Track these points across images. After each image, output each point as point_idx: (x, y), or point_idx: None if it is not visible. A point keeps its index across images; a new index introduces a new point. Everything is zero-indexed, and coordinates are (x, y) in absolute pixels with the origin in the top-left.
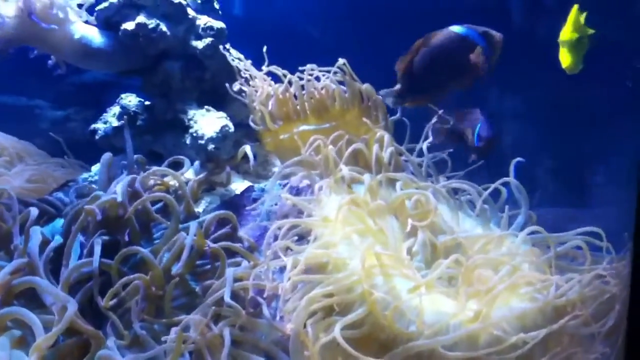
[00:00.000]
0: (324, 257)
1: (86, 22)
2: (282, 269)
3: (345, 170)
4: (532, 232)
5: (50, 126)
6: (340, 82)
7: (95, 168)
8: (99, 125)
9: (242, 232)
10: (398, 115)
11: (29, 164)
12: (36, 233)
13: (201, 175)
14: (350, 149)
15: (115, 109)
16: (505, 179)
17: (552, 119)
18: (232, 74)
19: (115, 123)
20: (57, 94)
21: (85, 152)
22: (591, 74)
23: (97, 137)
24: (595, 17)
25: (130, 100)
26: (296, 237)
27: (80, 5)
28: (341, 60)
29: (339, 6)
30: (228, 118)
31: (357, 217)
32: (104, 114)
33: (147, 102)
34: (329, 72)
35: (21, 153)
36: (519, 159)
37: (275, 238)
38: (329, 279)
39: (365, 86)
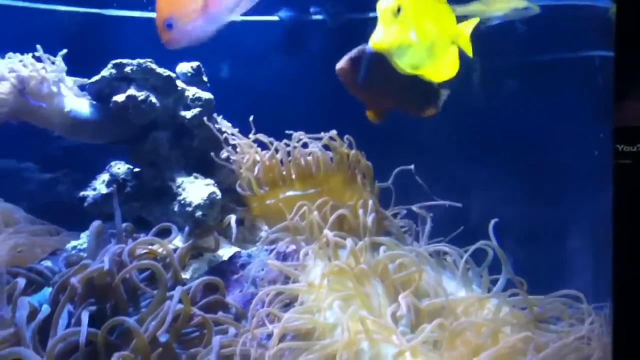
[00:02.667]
0: (310, 324)
1: (77, 95)
2: (269, 336)
3: (329, 235)
4: (513, 294)
5: (38, 188)
6: (328, 148)
7: (84, 234)
8: (88, 192)
9: (229, 299)
10: (389, 182)
11: (17, 230)
12: (24, 303)
13: (189, 243)
14: (334, 215)
15: (104, 176)
16: (484, 242)
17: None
18: (219, 141)
19: (104, 190)
20: (46, 157)
21: (72, 214)
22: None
23: (86, 204)
24: None
25: (120, 167)
26: (284, 303)
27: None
28: (333, 132)
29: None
30: (216, 185)
31: (341, 282)
32: (93, 181)
33: (135, 170)
34: (318, 139)
35: (7, 218)
36: (495, 219)
37: (263, 304)
38: (315, 345)
39: (353, 152)
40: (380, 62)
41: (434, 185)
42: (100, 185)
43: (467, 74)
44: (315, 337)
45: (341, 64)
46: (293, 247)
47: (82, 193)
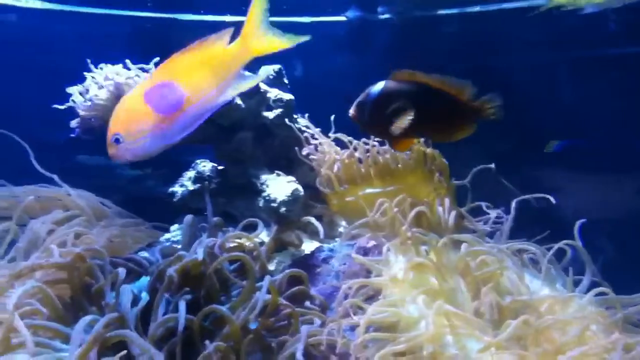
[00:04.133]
0: (394, 317)
1: None
2: (353, 327)
3: (410, 231)
4: (599, 294)
5: (128, 184)
6: None
7: (174, 227)
8: (177, 189)
9: (313, 291)
10: (467, 180)
11: (109, 223)
12: (126, 291)
13: (274, 236)
14: (414, 212)
15: (191, 173)
16: (568, 241)
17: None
18: (299, 140)
19: (191, 187)
20: None
21: (160, 208)
22: None
23: (175, 199)
24: None
25: (205, 165)
26: (366, 296)
27: None
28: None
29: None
30: (297, 182)
31: (424, 278)
32: (180, 178)
33: (219, 167)
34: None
35: (99, 212)
36: (582, 220)
37: (346, 297)
38: (399, 337)
39: (429, 150)
40: (382, 101)
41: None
42: (187, 182)
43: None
44: (399, 330)
45: (351, 109)
46: (374, 242)
47: (170, 189)
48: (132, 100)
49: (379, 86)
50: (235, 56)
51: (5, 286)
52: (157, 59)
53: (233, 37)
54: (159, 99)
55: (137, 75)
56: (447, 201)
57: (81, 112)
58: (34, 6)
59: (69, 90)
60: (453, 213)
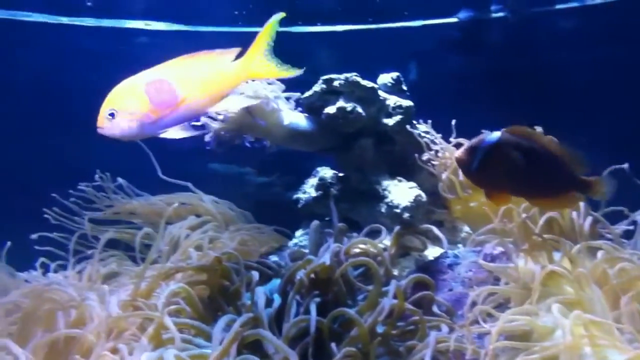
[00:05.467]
0: (527, 325)
1: (292, 109)
2: (481, 335)
3: (541, 238)
4: None
5: (256, 190)
6: None
7: (299, 232)
8: (300, 195)
9: (438, 297)
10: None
11: (238, 228)
12: (261, 293)
13: (396, 242)
14: (544, 217)
15: (313, 181)
16: None
17: None
18: (419, 146)
19: (314, 193)
20: (262, 163)
21: (285, 214)
22: None
23: (299, 205)
24: None
25: (326, 172)
26: (496, 304)
27: (288, 98)
28: (539, 129)
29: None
30: (419, 188)
31: (558, 286)
32: (303, 185)
33: (340, 174)
34: None
35: (227, 217)
36: None
37: (474, 304)
38: (534, 347)
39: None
40: (497, 153)
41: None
42: (309, 189)
43: None
44: (533, 339)
45: (459, 152)
46: (501, 249)
47: (295, 196)
48: (133, 85)
49: (496, 135)
50: (235, 74)
51: (153, 286)
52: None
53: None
54: (156, 92)
55: (264, 89)
56: (582, 205)
57: (214, 126)
58: (160, 28)
59: None
60: (589, 219)
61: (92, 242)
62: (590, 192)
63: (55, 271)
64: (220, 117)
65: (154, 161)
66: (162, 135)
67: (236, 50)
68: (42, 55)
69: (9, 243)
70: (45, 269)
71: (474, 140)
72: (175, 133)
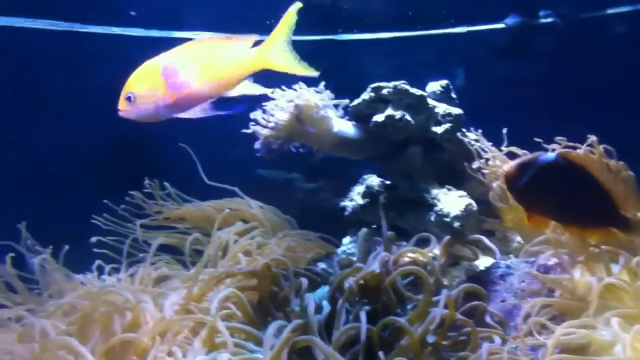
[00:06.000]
0: (584, 339)
1: (341, 116)
2: (534, 348)
3: (598, 249)
4: None
5: (304, 196)
6: None
7: (346, 240)
8: (347, 203)
9: (490, 307)
10: None
11: (286, 234)
12: (311, 299)
13: (446, 251)
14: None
15: (360, 188)
16: None
17: None
18: (468, 154)
19: (361, 201)
20: (310, 168)
21: (331, 220)
22: None
23: (346, 213)
24: None
25: (373, 180)
26: (550, 316)
27: (336, 106)
28: (592, 138)
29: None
30: (469, 196)
31: (617, 299)
32: (350, 193)
33: (387, 182)
34: (574, 148)
35: (274, 224)
36: None
37: (527, 316)
38: None
39: (614, 163)
40: (549, 174)
41: None
42: (356, 197)
43: None
44: (590, 353)
45: (508, 166)
46: (555, 260)
47: (342, 203)
48: (151, 68)
49: (550, 156)
50: (252, 61)
51: (205, 290)
52: (323, 83)
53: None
54: (173, 75)
55: (313, 97)
56: None
57: (265, 134)
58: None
59: (252, 115)
60: None
61: (144, 246)
62: (629, 232)
63: (110, 274)
64: (271, 124)
65: (199, 168)
66: (178, 116)
67: (254, 38)
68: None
69: (66, 246)
70: (100, 271)
71: (527, 157)
72: (193, 113)
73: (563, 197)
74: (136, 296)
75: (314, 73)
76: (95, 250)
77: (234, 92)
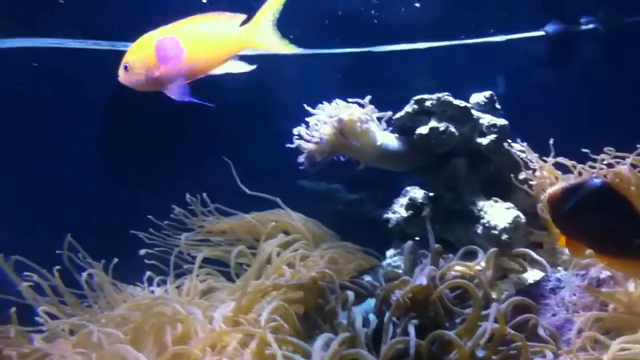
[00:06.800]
0: None
1: (384, 129)
2: None
3: None
4: None
5: (345, 207)
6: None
7: (390, 252)
8: (390, 215)
9: (541, 321)
10: None
11: (329, 246)
12: (358, 312)
13: (494, 263)
14: None
15: (403, 200)
16: None
17: None
18: (514, 165)
19: (404, 213)
20: (351, 179)
21: (373, 232)
22: None
23: (389, 225)
24: None
25: (416, 192)
26: (604, 330)
27: (379, 118)
28: None
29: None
30: (516, 208)
31: None
32: (393, 205)
33: (430, 194)
34: (622, 158)
35: (315, 235)
36: None
37: (580, 330)
38: None
39: None
40: (595, 201)
41: None
42: (399, 209)
43: None
44: None
45: (553, 188)
46: (608, 272)
47: (385, 215)
48: (147, 41)
49: (598, 181)
50: (239, 39)
51: (253, 302)
52: (369, 97)
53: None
54: (164, 49)
55: (357, 110)
56: None
57: (309, 148)
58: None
59: (296, 130)
60: None
61: (188, 258)
62: None
63: (159, 285)
64: (315, 139)
65: (237, 180)
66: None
67: (243, 17)
68: None
69: (115, 259)
70: (149, 283)
71: (573, 182)
72: (173, 92)
73: (604, 226)
74: (186, 308)
75: (296, 50)
76: (146, 261)
77: (220, 70)
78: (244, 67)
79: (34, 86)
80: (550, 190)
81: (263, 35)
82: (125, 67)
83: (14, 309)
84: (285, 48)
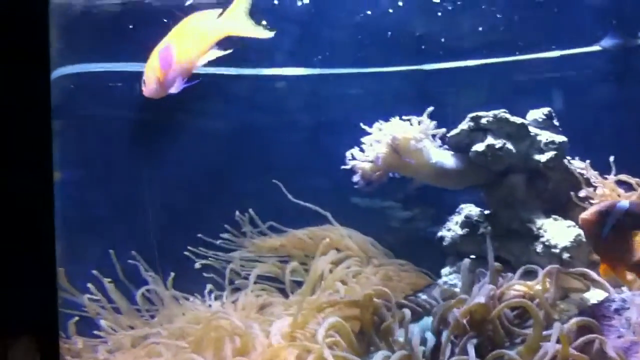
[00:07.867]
0: None
1: (439, 146)
2: None
3: None
4: None
5: (399, 225)
6: None
7: (445, 271)
8: (445, 233)
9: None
10: None
11: (381, 263)
12: (416, 330)
13: (555, 283)
14: None
15: (458, 218)
16: None
17: None
18: (573, 183)
19: (460, 231)
20: (405, 196)
21: (428, 249)
22: None
23: (444, 243)
24: None
25: (472, 210)
26: None
27: (433, 136)
28: None
29: None
30: (577, 227)
31: None
32: (447, 223)
33: (486, 211)
34: None
35: (367, 252)
36: None
37: None
38: None
39: None
40: (630, 221)
41: None
42: (454, 226)
43: None
44: None
45: (586, 214)
46: None
47: (439, 233)
48: (153, 55)
49: (625, 203)
50: (218, 29)
51: (308, 318)
52: (430, 109)
53: None
54: (164, 57)
55: (411, 128)
56: None
57: (363, 167)
58: (300, 73)
59: (349, 153)
60: None
61: (241, 273)
62: None
63: (217, 298)
64: (370, 158)
65: (286, 193)
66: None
67: (218, 11)
68: None
69: (172, 274)
70: (203, 297)
71: (604, 204)
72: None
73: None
74: (244, 322)
75: (270, 34)
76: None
77: (204, 60)
78: (219, 53)
79: None
80: (583, 215)
81: (240, 22)
82: (143, 82)
83: (75, 320)
84: (260, 33)
